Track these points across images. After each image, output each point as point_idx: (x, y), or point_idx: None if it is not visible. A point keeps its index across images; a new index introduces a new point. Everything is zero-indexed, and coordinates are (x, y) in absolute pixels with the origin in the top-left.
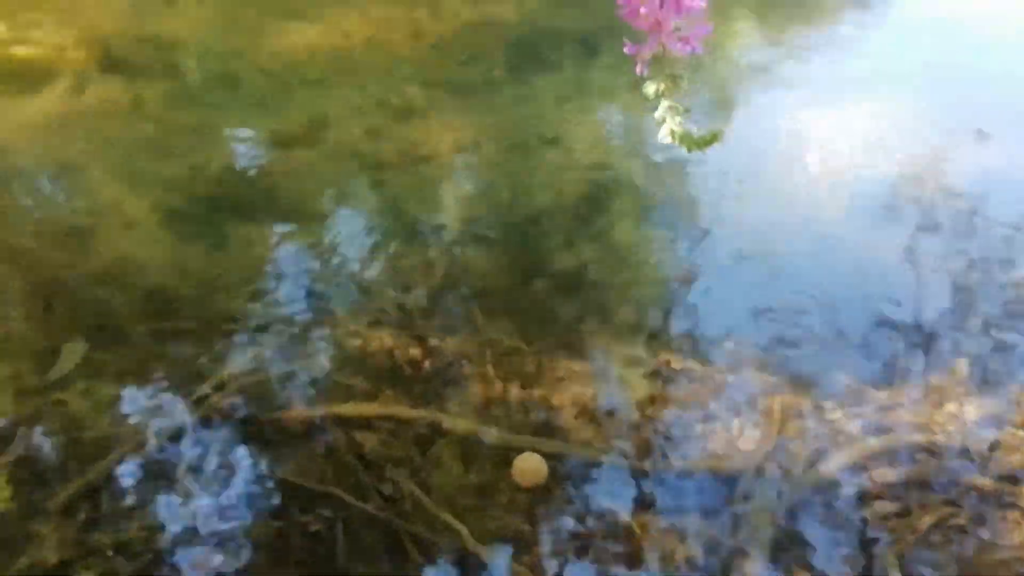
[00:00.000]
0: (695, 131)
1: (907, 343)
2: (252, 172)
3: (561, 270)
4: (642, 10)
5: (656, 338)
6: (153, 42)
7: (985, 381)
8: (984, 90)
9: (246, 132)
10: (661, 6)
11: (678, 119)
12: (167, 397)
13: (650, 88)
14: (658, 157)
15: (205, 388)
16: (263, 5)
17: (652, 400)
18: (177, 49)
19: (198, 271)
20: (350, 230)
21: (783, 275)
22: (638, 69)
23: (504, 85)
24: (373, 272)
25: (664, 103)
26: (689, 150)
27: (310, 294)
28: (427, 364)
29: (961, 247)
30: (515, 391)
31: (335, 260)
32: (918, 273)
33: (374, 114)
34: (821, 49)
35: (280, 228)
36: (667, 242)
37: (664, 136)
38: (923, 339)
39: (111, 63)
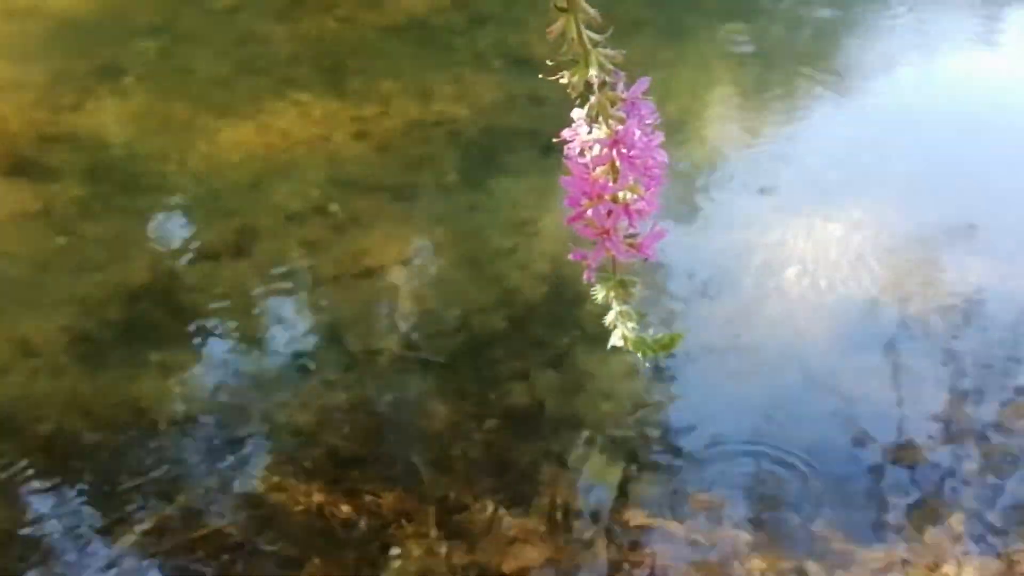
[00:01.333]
0: (650, 335)
1: (898, 492)
2: (174, 290)
3: (515, 405)
4: (589, 213)
5: (620, 489)
6: (67, 141)
7: (983, 537)
8: (972, 184)
9: (169, 244)
10: (608, 214)
11: (631, 324)
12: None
13: (599, 294)
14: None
15: (101, 562)
16: (194, 99)
17: (615, 565)
18: (94, 150)
19: (106, 411)
20: (278, 359)
21: (761, 413)
22: (585, 276)
23: (456, 191)
24: (303, 411)
25: (615, 308)
26: (644, 356)
27: (230, 438)
28: (362, 524)
29: (954, 374)
30: (461, 556)
31: (259, 396)
32: (909, 407)
33: (312, 224)
34: (797, 146)
35: (201, 355)
36: (632, 370)
37: (616, 341)
38: (915, 486)
39: (18, 165)
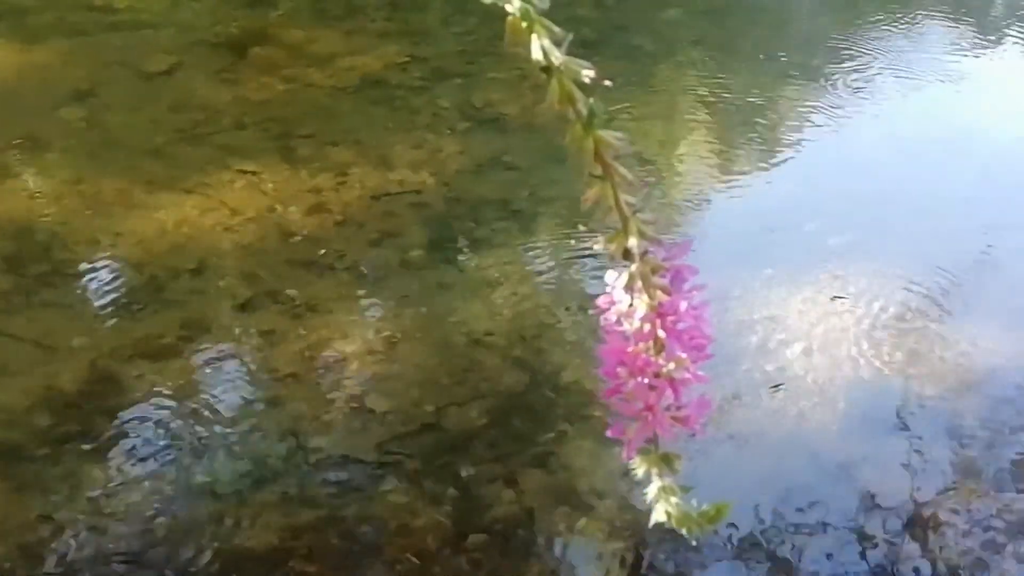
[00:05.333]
0: (695, 508)
1: None
2: (110, 394)
3: (502, 517)
4: (629, 385)
5: None
6: None
7: None
8: (977, 240)
9: (103, 342)
10: (651, 389)
11: (674, 499)
12: None
13: (640, 470)
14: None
15: None
16: (127, 173)
17: None
18: (14, 234)
19: (33, 540)
20: (232, 470)
21: (768, 509)
22: (625, 454)
23: (424, 268)
24: (262, 530)
25: (656, 483)
26: (690, 533)
27: (179, 568)
28: None
29: (975, 452)
30: None
31: (211, 515)
32: (945, 517)
33: (265, 312)
34: (786, 204)
35: (144, 468)
36: (626, 467)
37: (660, 518)
38: None
39: None
